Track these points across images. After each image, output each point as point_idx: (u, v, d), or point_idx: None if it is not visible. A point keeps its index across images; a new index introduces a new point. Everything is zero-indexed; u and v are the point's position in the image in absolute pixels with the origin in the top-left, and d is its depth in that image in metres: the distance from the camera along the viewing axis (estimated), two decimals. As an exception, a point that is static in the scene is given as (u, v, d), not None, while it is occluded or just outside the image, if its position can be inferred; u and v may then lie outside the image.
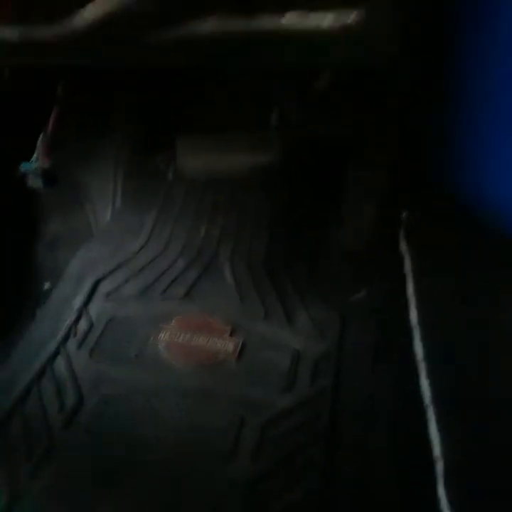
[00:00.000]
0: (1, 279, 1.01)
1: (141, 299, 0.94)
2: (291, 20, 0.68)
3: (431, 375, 0.68)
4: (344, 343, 0.83)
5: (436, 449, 0.61)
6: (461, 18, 0.70)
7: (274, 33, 0.67)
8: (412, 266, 0.84)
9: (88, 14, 0.69)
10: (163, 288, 0.96)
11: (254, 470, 0.67)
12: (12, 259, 1.05)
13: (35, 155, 1.06)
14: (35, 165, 1.06)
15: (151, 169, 1.15)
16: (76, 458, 0.71)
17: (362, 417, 0.72)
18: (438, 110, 0.80)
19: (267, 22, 0.68)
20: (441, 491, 0.58)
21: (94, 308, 0.92)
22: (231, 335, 0.88)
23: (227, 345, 0.86)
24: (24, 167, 1.06)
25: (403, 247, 0.88)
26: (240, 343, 0.86)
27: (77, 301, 0.93)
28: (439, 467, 0.59)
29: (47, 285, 1.04)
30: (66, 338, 0.87)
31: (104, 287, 0.96)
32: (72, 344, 0.86)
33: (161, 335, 0.88)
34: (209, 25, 0.69)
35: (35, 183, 1.07)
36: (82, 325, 0.89)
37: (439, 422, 0.63)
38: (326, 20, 0.67)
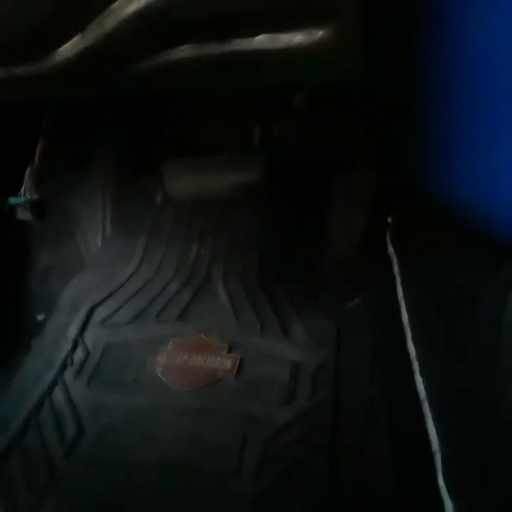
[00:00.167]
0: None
1: (136, 324, 0.94)
2: (263, 41, 0.70)
3: (424, 372, 0.69)
4: (341, 352, 0.82)
5: (434, 443, 0.61)
6: (429, 26, 0.72)
7: (248, 54, 0.70)
8: (400, 269, 0.85)
9: (67, 51, 0.70)
10: (157, 311, 0.95)
11: (258, 485, 0.67)
12: (4, 292, 1.05)
13: (23, 188, 1.07)
14: (23, 198, 1.07)
15: (139, 194, 1.16)
16: (78, 487, 0.70)
17: (361, 424, 0.71)
18: (414, 118, 0.81)
19: (240, 44, 0.70)
20: (441, 481, 0.58)
21: (89, 337, 0.92)
22: (228, 352, 0.88)
23: (225, 362, 0.86)
24: (12, 201, 1.07)
25: (390, 250, 0.89)
26: (238, 359, 0.86)
27: (73, 330, 0.93)
28: (438, 459, 0.59)
29: (41, 316, 1.04)
30: (63, 368, 0.86)
31: (99, 315, 0.96)
32: (69, 374, 0.86)
33: (158, 358, 0.87)
34: (185, 52, 0.71)
35: (24, 216, 1.07)
36: (79, 354, 0.89)
37: (434, 416, 0.63)
38: (295, 39, 0.69)
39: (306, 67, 0.74)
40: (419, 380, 0.68)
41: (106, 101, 0.97)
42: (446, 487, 0.57)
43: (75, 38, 0.69)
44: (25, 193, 1.07)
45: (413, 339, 0.73)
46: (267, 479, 0.67)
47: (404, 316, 0.78)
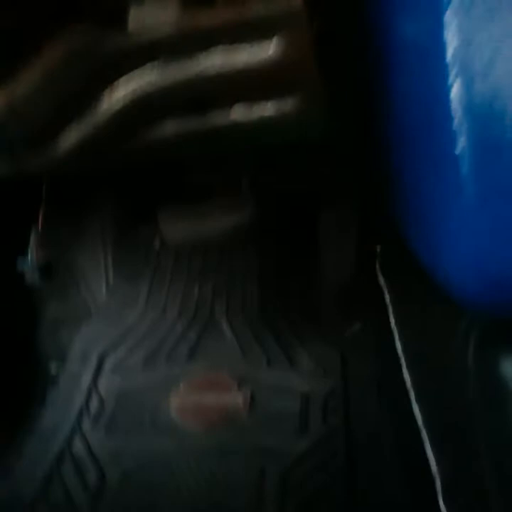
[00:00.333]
0: (7, 368, 1.03)
1: (147, 367, 0.96)
2: (239, 113, 0.78)
3: (419, 400, 0.72)
4: (347, 378, 0.85)
5: (434, 468, 0.64)
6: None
7: (225, 126, 0.77)
8: (391, 299, 0.88)
9: (64, 143, 0.77)
10: (166, 353, 0.98)
11: None
12: (16, 346, 1.08)
13: (29, 252, 1.11)
14: (30, 262, 1.11)
15: (138, 241, 1.20)
16: None
17: (373, 447, 0.74)
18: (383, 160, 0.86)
19: (217, 117, 0.78)
20: (441, 505, 0.61)
21: (102, 384, 0.94)
22: (239, 388, 0.90)
23: (236, 399, 0.89)
24: (20, 265, 1.11)
25: (381, 280, 0.93)
26: (249, 394, 0.88)
27: (86, 380, 0.95)
28: (438, 484, 0.62)
29: (53, 368, 1.06)
30: (80, 418, 0.89)
31: (110, 362, 0.98)
32: (86, 423, 0.88)
33: (171, 400, 0.90)
34: (167, 127, 0.79)
35: (33, 279, 1.11)
36: (94, 402, 0.91)
37: (432, 443, 0.66)
38: (267, 109, 0.77)
39: (278, 133, 0.82)
40: (415, 408, 0.71)
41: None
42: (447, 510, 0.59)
43: (70, 132, 0.75)
44: (31, 257, 1.11)
45: (407, 367, 0.77)
46: (290, 511, 0.70)
47: (398, 345, 0.81)
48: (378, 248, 0.99)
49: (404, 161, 0.67)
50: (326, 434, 0.78)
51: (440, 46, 0.44)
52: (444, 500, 0.60)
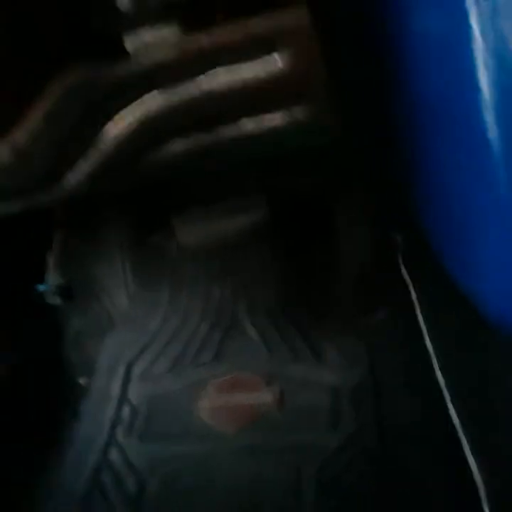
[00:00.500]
0: (37, 388, 1.05)
1: (174, 372, 0.97)
2: (247, 125, 0.78)
3: (455, 402, 0.71)
4: (375, 370, 0.85)
5: (477, 477, 0.63)
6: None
7: (234, 139, 0.78)
8: (414, 287, 0.87)
9: (73, 177, 0.78)
10: (192, 356, 0.99)
11: None
12: (43, 363, 1.10)
13: (47, 273, 1.13)
14: (50, 284, 1.12)
15: (155, 248, 1.20)
16: None
17: (406, 439, 0.74)
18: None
19: (226, 131, 0.78)
20: (482, 498, 0.60)
21: (132, 393, 0.95)
22: (267, 386, 0.90)
23: (265, 397, 0.89)
24: (40, 288, 1.13)
25: (404, 271, 0.92)
26: (278, 391, 0.89)
27: (115, 389, 0.96)
28: (482, 492, 0.61)
29: (82, 380, 1.07)
30: (113, 429, 0.90)
31: (138, 369, 0.99)
32: (120, 433, 0.89)
33: (201, 403, 0.90)
34: (176, 146, 0.79)
35: (53, 300, 1.13)
36: (125, 411, 0.92)
37: (472, 448, 0.65)
38: (275, 120, 0.77)
39: (287, 142, 0.82)
40: (452, 410, 0.70)
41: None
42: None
43: (79, 165, 0.76)
44: (50, 279, 1.13)
45: (440, 367, 0.76)
46: (327, 509, 0.70)
47: (428, 343, 0.80)
48: (399, 238, 0.97)
49: (432, 171, 0.65)
50: (358, 427, 0.78)
51: (467, 37, 0.43)
52: (485, 494, 0.60)
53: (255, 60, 0.72)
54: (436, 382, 0.75)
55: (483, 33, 0.41)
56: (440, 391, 0.74)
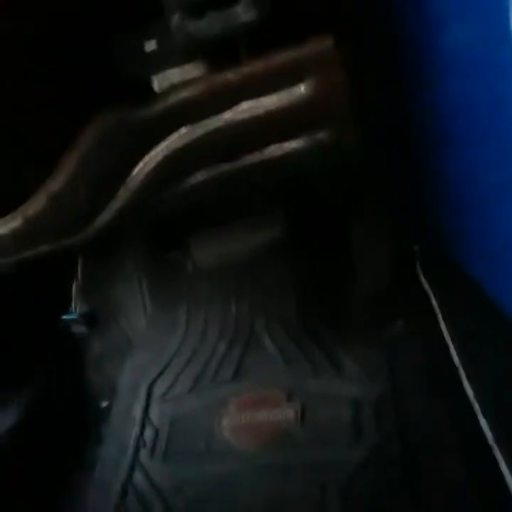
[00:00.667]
0: (61, 410, 1.06)
1: (195, 391, 0.97)
2: (272, 152, 0.79)
3: (486, 415, 0.69)
4: (396, 382, 0.84)
5: (503, 467, 0.62)
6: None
7: (257, 165, 0.79)
8: (438, 302, 0.86)
9: (104, 217, 0.81)
10: (212, 375, 0.99)
11: None
12: (65, 390, 1.11)
13: (72, 304, 1.15)
14: (75, 313, 1.15)
15: (171, 268, 1.21)
16: None
17: (431, 450, 0.72)
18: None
19: (249, 159, 0.80)
20: None
21: (154, 414, 0.95)
22: (288, 402, 0.90)
23: (287, 413, 0.88)
24: (65, 318, 1.15)
25: (423, 281, 0.91)
26: (299, 407, 0.88)
27: (137, 411, 0.97)
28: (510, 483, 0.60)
29: (105, 403, 1.08)
30: (137, 451, 0.90)
31: (158, 390, 0.99)
32: (144, 455, 0.89)
33: (223, 421, 0.90)
34: (198, 177, 0.81)
35: (78, 329, 1.16)
36: (148, 433, 0.92)
37: (508, 463, 0.64)
38: (299, 144, 0.78)
39: (311, 165, 0.83)
40: (483, 423, 0.69)
41: None
42: None
43: (109, 205, 0.78)
44: (75, 308, 1.15)
45: (468, 379, 0.74)
46: None
47: (454, 353, 0.79)
48: (417, 248, 0.97)
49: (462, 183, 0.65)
50: (381, 440, 0.77)
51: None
52: None
53: (280, 91, 0.73)
54: (463, 392, 0.73)
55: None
56: (467, 400, 0.72)
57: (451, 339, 0.82)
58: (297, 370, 0.94)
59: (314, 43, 0.74)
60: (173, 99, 0.77)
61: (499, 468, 0.65)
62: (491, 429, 0.68)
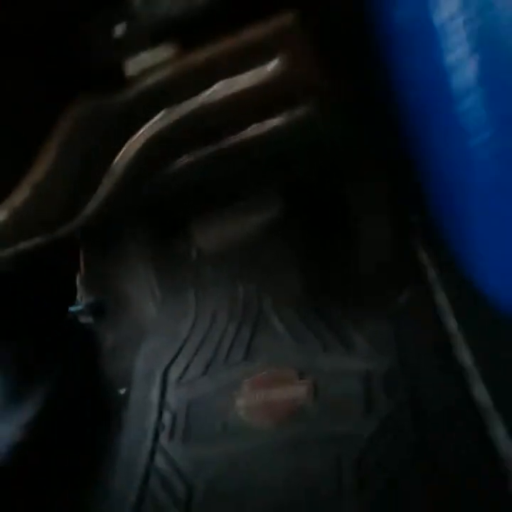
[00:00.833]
0: (80, 400, 1.09)
1: (209, 374, 0.99)
2: (254, 131, 0.80)
3: (486, 381, 0.71)
4: (404, 355, 0.86)
5: (509, 458, 0.63)
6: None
7: (241, 144, 0.78)
8: (437, 271, 0.87)
9: (91, 204, 0.81)
10: (223, 357, 1.01)
11: (362, 505, 0.71)
12: (83, 381, 1.14)
13: (78, 295, 1.17)
14: (81, 305, 1.16)
15: (176, 254, 1.22)
16: None
17: (441, 419, 0.74)
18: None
19: (232, 139, 0.80)
20: None
21: (171, 398, 0.98)
22: (300, 378, 0.92)
23: (300, 390, 0.91)
24: (73, 309, 1.17)
25: (422, 254, 0.92)
26: (311, 383, 0.90)
27: (155, 396, 0.99)
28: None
29: (122, 390, 1.11)
30: (157, 435, 0.93)
31: (173, 375, 1.02)
32: (164, 438, 0.92)
33: (238, 402, 0.93)
34: (186, 159, 0.82)
35: (86, 320, 1.17)
36: (166, 417, 0.95)
37: (506, 426, 0.65)
38: (279, 121, 0.79)
39: (295, 141, 0.83)
40: (481, 389, 0.71)
41: None
42: None
43: (94, 194, 0.79)
44: (81, 299, 1.16)
45: (466, 346, 0.76)
46: (369, 496, 0.71)
47: (452, 321, 0.81)
48: (415, 219, 0.97)
49: (427, 158, 0.65)
50: (393, 411, 0.79)
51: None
52: None
53: (252, 69, 0.73)
54: (462, 363, 0.75)
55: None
56: (465, 372, 0.74)
57: (450, 310, 0.83)
58: (307, 348, 0.96)
59: (278, 20, 0.74)
60: (147, 83, 0.77)
61: (495, 434, 0.67)
62: (491, 396, 0.70)
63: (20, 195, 0.80)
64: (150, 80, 0.76)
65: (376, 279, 1.03)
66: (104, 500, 0.87)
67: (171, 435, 0.92)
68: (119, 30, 0.76)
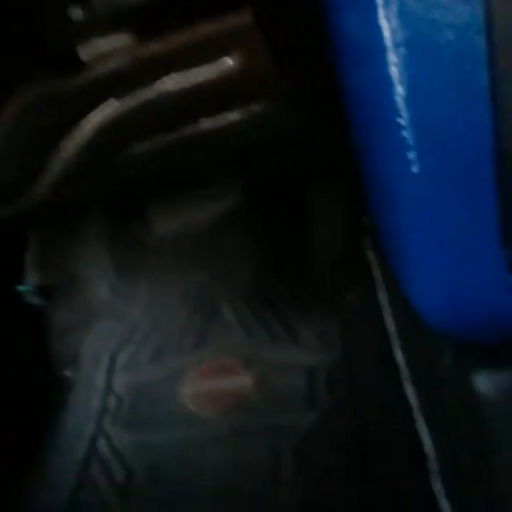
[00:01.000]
0: (22, 382, 1.08)
1: (158, 361, 1.00)
2: (207, 124, 0.80)
3: (414, 382, 0.74)
4: (349, 350, 0.89)
5: (431, 453, 0.67)
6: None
7: (196, 136, 0.79)
8: (381, 272, 0.90)
9: (41, 184, 0.80)
10: (173, 344, 1.02)
11: (298, 493, 0.73)
12: (27, 357, 1.12)
13: (26, 275, 1.15)
14: (28, 285, 1.14)
15: (132, 238, 1.22)
16: None
17: (380, 417, 0.77)
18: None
19: (187, 131, 0.81)
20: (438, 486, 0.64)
21: (117, 383, 0.98)
22: (246, 370, 0.94)
23: (245, 380, 0.92)
24: (19, 288, 1.14)
25: (369, 253, 0.95)
26: (256, 374, 0.92)
27: (100, 380, 0.99)
28: (434, 467, 0.65)
29: (68, 372, 1.10)
30: (100, 419, 0.93)
31: (121, 360, 1.02)
32: (107, 422, 0.92)
33: (184, 389, 0.94)
34: (142, 147, 0.82)
35: (33, 300, 1.15)
36: (111, 401, 0.95)
37: (428, 426, 0.69)
38: (234, 116, 0.80)
39: (249, 136, 0.85)
40: (410, 389, 0.74)
41: None
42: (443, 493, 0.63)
43: (43, 176, 0.77)
44: (28, 280, 1.14)
45: (400, 347, 0.79)
46: (306, 485, 0.74)
47: (390, 322, 0.84)
48: (365, 220, 1.00)
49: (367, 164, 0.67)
50: (333, 406, 0.82)
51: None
52: (442, 482, 0.63)
53: (208, 63, 0.74)
54: (398, 363, 0.78)
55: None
56: (400, 371, 0.77)
57: (388, 307, 0.86)
58: (255, 340, 0.98)
59: (236, 17, 0.75)
60: (102, 69, 0.77)
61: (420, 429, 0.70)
62: (417, 396, 0.73)
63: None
64: (105, 67, 0.76)
65: (328, 276, 1.05)
66: (43, 481, 0.87)
67: (115, 420, 0.92)
68: (76, 14, 0.75)
